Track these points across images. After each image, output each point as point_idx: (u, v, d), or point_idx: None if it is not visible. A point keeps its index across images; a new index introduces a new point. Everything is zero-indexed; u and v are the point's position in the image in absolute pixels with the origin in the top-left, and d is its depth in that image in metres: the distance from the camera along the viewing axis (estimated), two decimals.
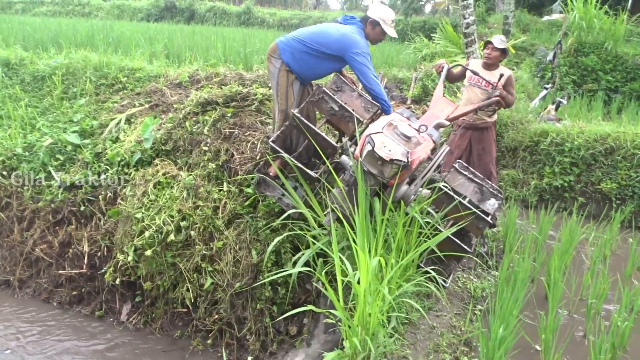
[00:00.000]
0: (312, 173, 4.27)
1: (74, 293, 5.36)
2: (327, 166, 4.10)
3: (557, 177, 6.95)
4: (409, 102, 9.22)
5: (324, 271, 3.69)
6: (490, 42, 5.09)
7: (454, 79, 5.39)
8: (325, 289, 3.12)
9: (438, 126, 4.03)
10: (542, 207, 6.69)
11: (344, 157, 3.92)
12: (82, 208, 5.41)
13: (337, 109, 4.23)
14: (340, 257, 3.12)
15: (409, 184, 3.84)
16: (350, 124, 4.23)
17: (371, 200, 3.58)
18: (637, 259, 5.15)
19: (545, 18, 16.25)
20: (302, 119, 4.26)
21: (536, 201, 6.92)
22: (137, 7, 28.44)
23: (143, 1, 31.01)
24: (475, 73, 5.06)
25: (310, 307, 3.25)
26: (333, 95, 4.31)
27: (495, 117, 5.32)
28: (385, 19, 4.38)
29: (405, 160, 3.33)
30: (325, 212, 3.97)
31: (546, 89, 9.92)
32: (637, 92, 11.36)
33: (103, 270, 5.08)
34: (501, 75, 4.93)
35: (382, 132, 3.44)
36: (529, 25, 15.27)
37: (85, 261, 5.29)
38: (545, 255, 4.99)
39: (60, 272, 5.39)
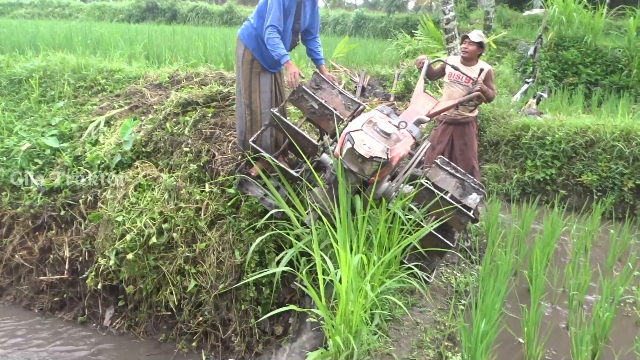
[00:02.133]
0: (293, 172, 4.25)
1: (55, 299, 5.28)
2: (308, 165, 4.10)
3: (539, 170, 7.00)
4: (391, 98, 9.23)
5: (305, 270, 3.70)
6: (466, 37, 5.09)
7: (434, 75, 5.39)
8: (307, 288, 3.10)
9: (418, 122, 4.03)
10: (524, 200, 6.75)
11: (324, 156, 3.91)
12: (62, 212, 5.34)
13: (317, 107, 4.22)
14: (321, 256, 3.10)
15: (391, 180, 3.84)
16: (330, 122, 4.22)
17: (352, 197, 3.57)
18: (618, 250, 5.20)
19: (526, 13, 16.40)
20: (282, 118, 4.24)
21: (519, 195, 6.96)
22: (118, 7, 28.17)
23: (124, 2, 30.73)
24: (455, 68, 5.06)
25: (292, 306, 3.23)
26: (313, 94, 4.30)
27: (476, 112, 5.33)
28: None
29: (385, 158, 3.33)
30: (307, 212, 3.96)
31: (527, 83, 10.00)
32: (617, 85, 11.51)
33: (84, 275, 5.02)
34: (481, 70, 4.94)
35: (361, 130, 3.43)
36: (510, 20, 15.39)
37: (67, 266, 5.21)
38: (528, 248, 5.02)
39: (41, 278, 5.30)
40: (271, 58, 4.30)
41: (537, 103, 8.50)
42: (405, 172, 3.87)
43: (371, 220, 3.60)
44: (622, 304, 4.42)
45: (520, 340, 3.83)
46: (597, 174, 6.72)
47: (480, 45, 5.05)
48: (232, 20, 25.72)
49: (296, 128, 4.21)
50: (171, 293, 4.73)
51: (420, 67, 4.98)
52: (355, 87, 9.24)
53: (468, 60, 5.10)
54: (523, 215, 5.43)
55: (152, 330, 4.95)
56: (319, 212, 3.59)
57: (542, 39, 11.60)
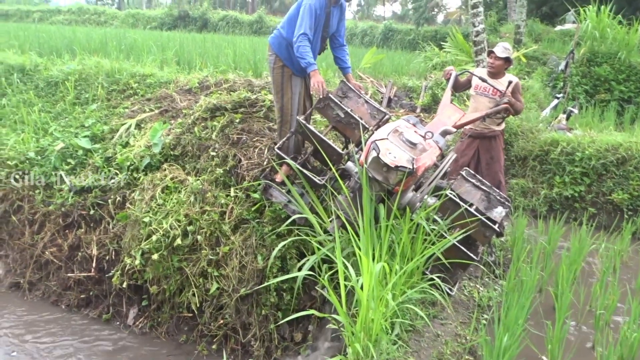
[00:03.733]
0: (317, 179, 4.28)
1: (82, 296, 5.40)
2: (333, 172, 4.13)
3: (567, 187, 6.89)
4: (418, 110, 9.22)
5: (327, 276, 3.71)
6: (492, 52, 5.06)
7: (460, 87, 5.35)
8: (329, 294, 3.11)
9: (444, 133, 4.02)
10: (551, 217, 6.63)
11: (349, 164, 3.92)
12: (92, 212, 5.47)
13: (342, 115, 4.24)
14: (343, 263, 3.11)
15: (415, 190, 3.83)
16: (356, 130, 4.23)
17: (376, 206, 3.57)
18: None
19: (558, 28, 16.19)
20: (308, 125, 4.27)
21: (546, 211, 6.85)
22: (151, 15, 28.89)
23: (157, 10, 31.51)
24: (483, 80, 5.02)
25: (312, 311, 3.24)
26: (339, 102, 4.32)
27: (503, 125, 5.28)
28: None
29: (410, 167, 3.32)
30: (331, 219, 3.97)
31: (557, 98, 9.85)
32: None
33: (111, 274, 5.11)
34: (509, 83, 4.90)
35: (387, 139, 3.44)
36: (541, 34, 15.22)
37: (94, 264, 5.33)
38: (554, 265, 4.93)
39: (69, 275, 5.43)
40: (300, 64, 4.35)
41: (567, 119, 8.38)
42: (430, 183, 3.85)
43: (394, 229, 3.59)
44: None
45: (544, 358, 3.75)
46: (629, 193, 6.58)
47: (507, 60, 5.00)
48: (262, 29, 26.08)
49: (321, 136, 4.24)
50: (193, 295, 4.79)
51: (447, 78, 4.97)
52: (382, 97, 9.26)
53: (495, 74, 5.06)
54: (550, 232, 5.34)
55: (173, 331, 5.01)
56: (343, 219, 3.60)
57: (574, 54, 11.44)
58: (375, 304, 2.98)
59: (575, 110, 8.74)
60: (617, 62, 11.86)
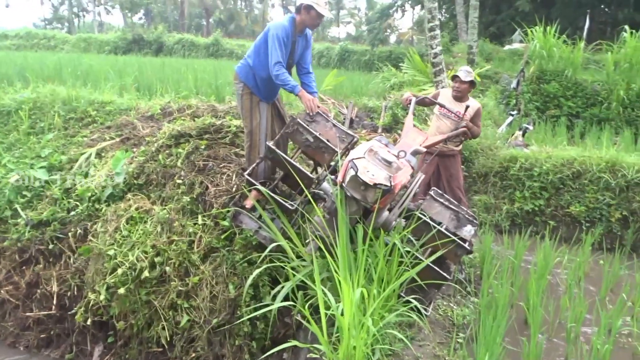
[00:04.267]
0: (288, 204, 4.25)
1: (42, 336, 5.12)
2: (305, 196, 4.11)
3: (527, 201, 7.08)
4: (379, 130, 9.33)
5: (302, 303, 3.65)
6: (457, 76, 5.24)
7: (427, 104, 5.53)
8: (309, 322, 3.06)
9: (415, 152, 4.07)
10: (514, 231, 6.80)
11: (325, 185, 3.92)
12: (51, 246, 5.24)
13: (312, 140, 4.25)
14: (322, 290, 3.07)
15: (389, 210, 3.85)
16: (325, 154, 4.25)
17: (353, 227, 3.56)
18: (610, 281, 5.24)
19: (507, 47, 16.83)
20: (278, 151, 4.25)
21: (508, 226, 7.01)
22: (104, 40, 28.34)
23: (110, 34, 30.94)
24: (442, 106, 5.24)
25: (294, 342, 3.17)
26: (307, 126, 4.33)
27: (460, 146, 5.50)
28: (318, 1, 4.38)
29: (389, 185, 3.35)
30: (307, 242, 3.94)
31: (512, 115, 10.19)
32: (597, 117, 11.78)
33: (73, 311, 4.89)
34: (467, 107, 5.10)
35: (364, 157, 3.46)
36: (491, 54, 15.76)
37: (55, 302, 5.08)
38: (523, 279, 5.03)
39: (28, 314, 5.16)
40: (267, 91, 4.53)
41: (523, 135, 8.66)
42: (403, 202, 3.88)
43: (370, 252, 3.58)
44: (617, 335, 4.42)
45: None
46: (585, 205, 6.81)
47: (471, 83, 5.22)
48: (218, 52, 26.02)
49: (292, 161, 4.22)
50: (163, 328, 4.63)
51: (407, 104, 5.08)
52: (344, 118, 9.33)
53: (460, 98, 5.25)
54: (516, 247, 5.45)
55: None
56: (320, 243, 3.57)
57: (524, 72, 11.90)
58: (356, 331, 2.95)
59: (531, 127, 9.05)
60: (564, 79, 12.42)
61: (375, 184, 3.31)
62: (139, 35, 27.58)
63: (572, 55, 12.86)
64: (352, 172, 3.35)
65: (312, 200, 3.82)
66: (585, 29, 16.19)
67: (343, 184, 3.44)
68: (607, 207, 6.71)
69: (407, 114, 4.85)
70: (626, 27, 12.66)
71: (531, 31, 13.26)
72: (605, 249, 6.43)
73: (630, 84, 11.76)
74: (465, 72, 5.24)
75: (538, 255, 5.03)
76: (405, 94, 5.23)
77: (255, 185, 4.35)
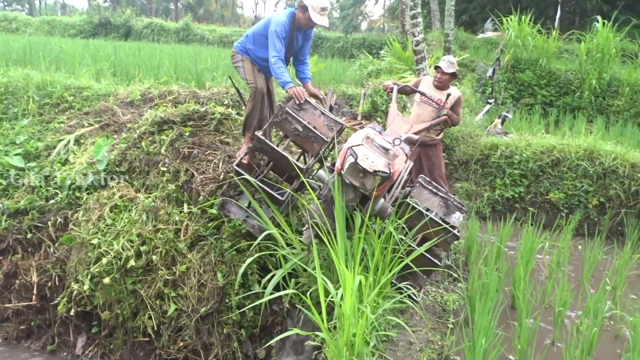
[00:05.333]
0: (278, 196, 4.21)
1: (22, 327, 4.98)
2: (296, 185, 4.10)
3: (508, 188, 7.20)
4: (359, 118, 9.32)
5: (293, 291, 3.64)
6: (438, 67, 5.25)
7: (408, 93, 5.54)
8: (309, 310, 3.04)
9: (408, 140, 4.07)
10: (495, 218, 6.91)
11: (320, 172, 3.89)
12: (29, 235, 5.07)
13: (301, 129, 4.17)
14: (321, 277, 3.05)
15: (384, 197, 3.85)
16: (314, 144, 4.19)
17: (352, 215, 3.55)
18: (590, 266, 5.37)
19: (481, 36, 16.98)
20: (266, 141, 4.20)
21: (489, 212, 7.12)
22: (69, 22, 27.34)
23: (75, 17, 29.90)
24: (423, 94, 5.25)
25: (296, 330, 3.15)
26: (296, 115, 4.28)
27: (441, 134, 5.55)
28: (314, 5, 4.44)
29: (388, 172, 3.34)
30: (305, 228, 3.91)
31: (489, 103, 10.31)
32: (570, 106, 12.04)
33: (55, 302, 4.76)
34: (448, 95, 5.13)
35: (362, 145, 3.44)
36: (465, 42, 15.89)
37: (35, 292, 4.93)
38: (509, 265, 5.12)
39: (7, 305, 4.99)
40: (264, 68, 4.72)
41: (502, 123, 8.77)
42: (396, 189, 3.89)
43: (366, 240, 3.58)
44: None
45: (511, 357, 3.87)
46: (564, 192, 6.96)
47: (453, 74, 5.26)
48: (189, 37, 25.44)
49: (281, 151, 4.19)
50: (149, 318, 4.56)
51: (389, 91, 5.08)
52: (324, 106, 9.29)
53: (441, 88, 5.27)
54: (500, 233, 5.54)
55: (128, 358, 4.74)
56: (318, 230, 3.54)
57: (499, 61, 12.04)
58: (355, 318, 2.95)
59: (510, 115, 9.17)
60: (538, 68, 12.62)
61: (375, 171, 3.30)
62: (105, 19, 26.71)
63: (546, 44, 13.06)
64: (351, 160, 3.32)
65: (309, 188, 3.79)
66: (557, 19, 16.45)
67: (342, 172, 3.41)
68: (585, 194, 6.87)
69: (386, 101, 4.86)
70: (598, 17, 12.90)
71: (506, 20, 13.41)
72: (582, 234, 6.59)
73: (602, 73, 12.04)
74: (448, 63, 5.25)
75: (523, 241, 5.12)
76: (387, 82, 5.23)
77: (243, 175, 4.30)
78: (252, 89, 4.74)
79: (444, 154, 7.51)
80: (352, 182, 3.39)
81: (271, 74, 4.64)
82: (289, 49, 4.67)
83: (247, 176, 4.26)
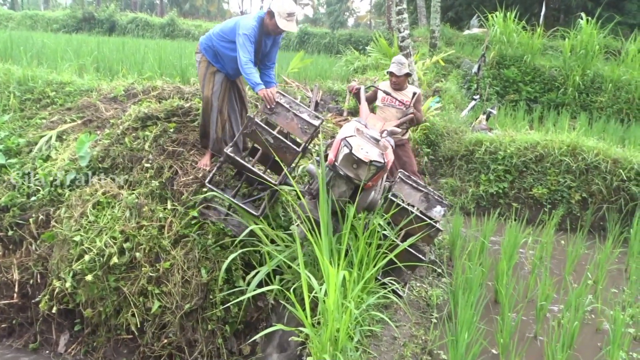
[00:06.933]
0: (253, 212, 4.23)
1: (3, 326, 4.91)
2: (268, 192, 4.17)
3: (492, 184, 7.25)
4: (345, 113, 9.32)
5: (277, 287, 3.64)
6: (392, 73, 5.32)
7: (369, 101, 5.52)
8: (292, 306, 3.04)
9: (391, 133, 4.08)
10: (479, 213, 6.95)
11: (310, 166, 3.89)
12: (10, 233, 5.00)
13: (272, 140, 4.12)
14: (306, 273, 3.06)
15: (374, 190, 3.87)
16: (287, 154, 4.15)
17: (343, 207, 3.56)
18: (572, 260, 5.43)
19: (466, 32, 17.06)
20: (236, 158, 4.20)
21: (474, 208, 7.17)
22: (51, 17, 26.98)
23: (58, 12, 29.49)
24: (387, 94, 5.30)
25: (279, 326, 3.15)
26: (268, 117, 4.26)
27: (408, 134, 5.66)
28: (281, 11, 4.39)
29: (383, 161, 3.36)
30: (296, 223, 3.91)
31: (475, 99, 10.37)
32: (554, 102, 12.15)
33: (37, 299, 4.70)
34: (414, 94, 5.23)
35: (355, 136, 3.45)
36: (451, 38, 15.95)
37: (16, 290, 4.87)
38: (492, 260, 5.16)
39: None
40: (230, 69, 4.71)
41: (487, 119, 8.83)
42: (381, 183, 3.91)
43: (350, 235, 3.59)
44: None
45: (494, 351, 3.91)
46: (547, 188, 7.03)
47: (407, 75, 5.34)
48: (174, 32, 25.24)
49: (250, 167, 4.19)
50: (133, 315, 4.52)
51: (354, 92, 5.10)
52: (309, 102, 9.27)
53: (399, 89, 5.31)
54: (484, 229, 5.58)
55: (111, 355, 4.70)
56: (308, 225, 3.53)
57: (485, 57, 12.10)
58: (339, 313, 2.95)
59: (494, 111, 9.23)
60: (523, 64, 12.73)
61: (370, 161, 3.32)
62: (89, 14, 26.39)
63: (530, 41, 13.17)
64: (345, 150, 3.33)
65: (301, 197, 3.78)
66: (541, 15, 16.58)
67: (335, 163, 3.42)
68: (567, 190, 6.95)
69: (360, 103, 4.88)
70: (582, 14, 13.02)
71: (492, 16, 13.48)
72: (567, 229, 6.66)
73: (586, 70, 12.16)
74: (399, 66, 5.31)
75: (507, 236, 5.16)
76: (352, 83, 5.27)
77: (217, 192, 4.41)
78: (203, 99, 4.73)
79: (429, 150, 7.56)
80: (347, 173, 3.40)
81: (238, 75, 4.65)
82: (257, 53, 4.59)
83: (219, 193, 4.36)
